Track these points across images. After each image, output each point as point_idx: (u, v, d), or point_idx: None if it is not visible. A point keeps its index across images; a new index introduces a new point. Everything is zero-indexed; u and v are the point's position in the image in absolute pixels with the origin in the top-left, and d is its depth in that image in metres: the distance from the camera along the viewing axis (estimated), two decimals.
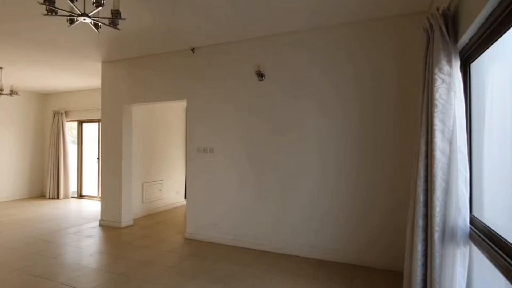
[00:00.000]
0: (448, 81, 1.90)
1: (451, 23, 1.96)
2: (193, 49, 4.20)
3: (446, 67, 1.91)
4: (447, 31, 1.92)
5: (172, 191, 6.40)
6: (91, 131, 7.59)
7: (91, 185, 7.55)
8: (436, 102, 1.93)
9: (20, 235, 4.41)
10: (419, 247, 2.06)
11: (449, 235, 1.83)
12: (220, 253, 3.70)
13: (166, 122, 6.32)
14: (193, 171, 4.27)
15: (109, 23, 2.28)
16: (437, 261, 1.86)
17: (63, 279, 2.98)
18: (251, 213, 3.87)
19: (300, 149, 3.61)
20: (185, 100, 4.33)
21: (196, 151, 4.24)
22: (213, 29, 3.58)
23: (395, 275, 3.03)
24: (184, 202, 6.51)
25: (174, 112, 6.53)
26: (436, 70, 1.93)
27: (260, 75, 3.75)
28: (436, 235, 1.88)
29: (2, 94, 5.42)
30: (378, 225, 3.26)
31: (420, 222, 2.07)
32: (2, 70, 5.34)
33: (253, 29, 3.57)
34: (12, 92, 5.45)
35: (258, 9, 3.04)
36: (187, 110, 4.35)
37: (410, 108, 3.10)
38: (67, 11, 2.14)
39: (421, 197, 2.08)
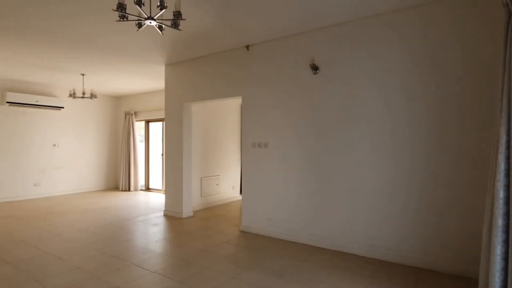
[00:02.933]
0: None
1: None
2: (247, 46, 4.29)
3: None
4: None
5: (228, 186, 6.64)
6: (157, 129, 8.27)
7: (157, 179, 8.24)
8: None
9: (99, 221, 5.00)
10: (498, 250, 1.83)
11: None
12: (275, 247, 3.73)
13: (222, 119, 6.57)
14: (248, 166, 4.37)
15: (171, 25, 2.45)
16: None
17: (134, 260, 3.30)
18: (306, 209, 3.83)
19: (359, 144, 3.45)
20: (240, 96, 4.45)
21: (251, 146, 4.33)
22: (269, 26, 3.61)
23: (467, 281, 2.73)
24: (239, 197, 6.71)
25: (229, 109, 6.76)
26: None
27: (315, 68, 3.68)
28: None
29: (84, 97, 6.22)
30: (448, 226, 2.96)
31: (499, 221, 1.83)
32: (84, 76, 6.11)
33: (307, 21, 3.51)
34: (92, 96, 6.20)
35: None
36: (242, 106, 4.46)
37: (486, 95, 2.75)
38: (135, 16, 2.36)
39: (500, 194, 1.84)
